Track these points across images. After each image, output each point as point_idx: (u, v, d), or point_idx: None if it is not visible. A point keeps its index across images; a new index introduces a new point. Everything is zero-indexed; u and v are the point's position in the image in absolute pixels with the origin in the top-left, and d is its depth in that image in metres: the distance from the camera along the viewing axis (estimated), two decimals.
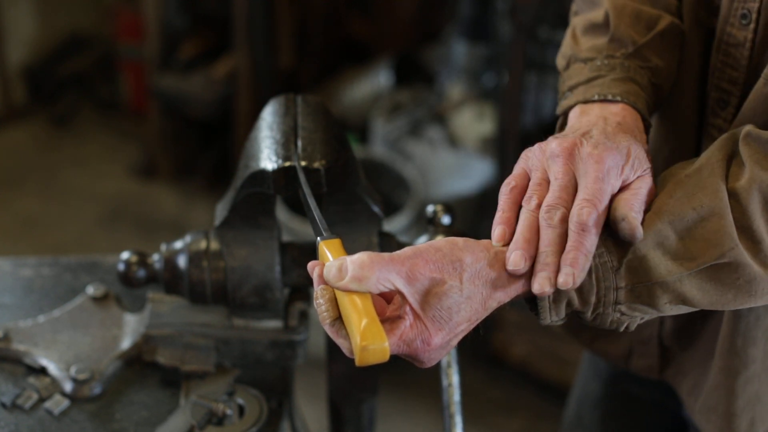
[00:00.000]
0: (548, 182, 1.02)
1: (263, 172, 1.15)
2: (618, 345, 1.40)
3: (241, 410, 1.23)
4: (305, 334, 1.29)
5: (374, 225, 1.24)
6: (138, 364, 1.30)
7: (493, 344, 2.90)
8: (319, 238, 1.03)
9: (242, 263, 1.24)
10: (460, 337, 0.99)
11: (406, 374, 2.85)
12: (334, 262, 0.95)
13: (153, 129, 3.66)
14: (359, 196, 1.21)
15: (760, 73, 1.12)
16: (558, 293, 0.99)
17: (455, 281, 0.96)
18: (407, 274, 0.94)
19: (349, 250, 1.24)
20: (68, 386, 1.26)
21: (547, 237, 0.99)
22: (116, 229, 3.50)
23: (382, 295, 0.97)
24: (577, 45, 1.21)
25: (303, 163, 1.15)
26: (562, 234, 0.99)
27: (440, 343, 0.97)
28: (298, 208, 2.81)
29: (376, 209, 1.23)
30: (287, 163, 1.14)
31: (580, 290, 0.99)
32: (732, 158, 1.03)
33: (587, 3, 1.25)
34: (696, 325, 1.30)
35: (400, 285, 0.94)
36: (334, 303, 0.96)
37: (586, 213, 0.98)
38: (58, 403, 1.25)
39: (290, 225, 2.70)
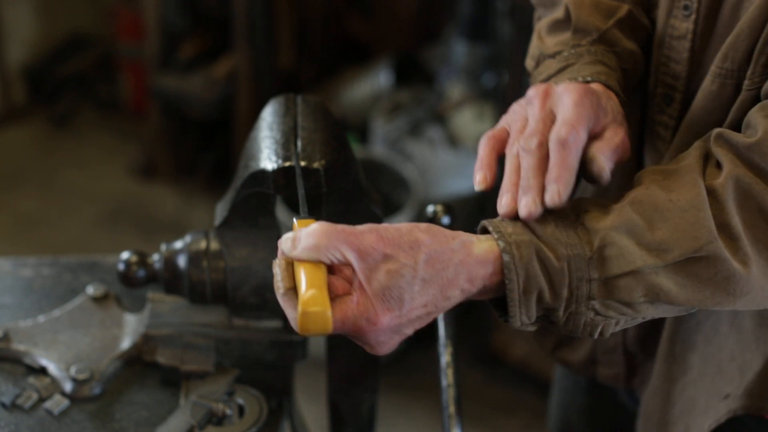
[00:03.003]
0: None
1: (263, 172, 1.15)
2: (579, 353, 1.37)
3: (241, 410, 1.23)
4: None
5: None
6: (138, 364, 1.30)
7: (493, 344, 2.90)
8: (294, 218, 1.03)
9: (242, 263, 1.24)
10: (416, 325, 0.97)
11: (406, 374, 2.85)
12: (289, 234, 0.96)
13: (153, 129, 3.66)
14: (359, 196, 1.21)
15: (701, 67, 1.12)
16: (528, 282, 0.96)
17: (409, 260, 0.94)
18: (359, 248, 0.93)
19: None
20: (68, 386, 1.26)
21: (527, 162, 0.98)
22: (116, 229, 3.50)
23: (344, 276, 0.96)
24: (543, 44, 1.23)
25: (303, 163, 1.15)
26: (543, 158, 0.98)
27: (388, 325, 0.94)
28: (298, 208, 2.81)
29: (376, 209, 1.23)
30: (287, 163, 1.14)
31: (551, 280, 0.96)
32: (708, 158, 1.02)
33: (547, 7, 1.27)
34: (661, 332, 1.28)
35: (351, 257, 0.93)
36: (290, 274, 0.96)
37: (565, 131, 0.98)
38: (58, 403, 1.25)
39: (290, 225, 2.69)
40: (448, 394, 1.33)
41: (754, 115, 1.01)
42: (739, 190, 0.98)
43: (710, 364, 1.21)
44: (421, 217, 2.81)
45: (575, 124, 1.00)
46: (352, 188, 1.20)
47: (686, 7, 1.12)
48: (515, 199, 0.98)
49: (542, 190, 0.98)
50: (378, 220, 1.24)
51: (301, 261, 0.95)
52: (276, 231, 1.25)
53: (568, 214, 0.99)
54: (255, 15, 3.21)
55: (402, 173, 3.00)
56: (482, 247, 0.97)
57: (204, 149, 3.68)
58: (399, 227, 0.96)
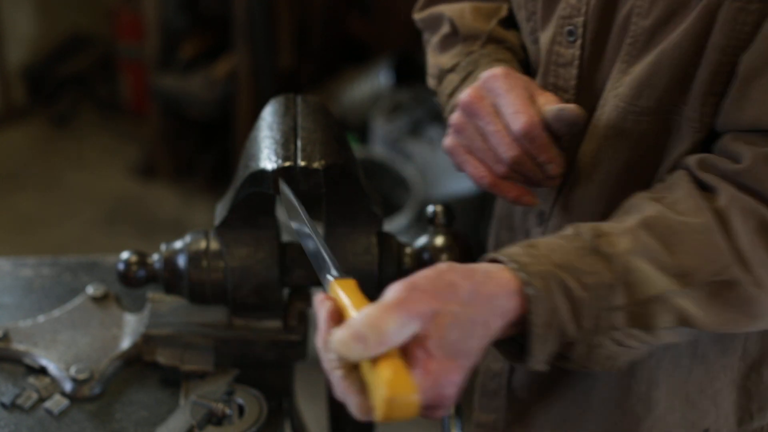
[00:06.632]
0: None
1: (263, 172, 1.15)
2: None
3: (240, 410, 1.23)
4: (305, 333, 1.29)
5: (374, 225, 1.24)
6: (138, 364, 1.30)
7: None
8: (330, 277, 0.93)
9: (242, 263, 1.24)
10: (470, 370, 0.88)
11: None
12: (345, 334, 0.83)
13: (153, 129, 3.66)
14: (359, 196, 1.21)
15: (590, 94, 1.10)
16: (552, 315, 0.90)
17: (456, 307, 0.87)
18: (418, 313, 0.84)
19: (350, 251, 1.24)
20: (68, 386, 1.26)
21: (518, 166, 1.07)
22: (116, 229, 3.50)
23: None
24: (439, 61, 1.26)
25: (302, 163, 1.15)
26: (524, 155, 1.06)
27: (460, 382, 0.86)
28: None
29: (375, 209, 1.23)
30: (287, 163, 1.14)
31: (575, 312, 0.91)
32: (698, 183, 1.00)
33: (432, 27, 1.31)
34: (554, 377, 1.26)
35: (415, 327, 0.84)
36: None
37: (518, 124, 1.03)
38: (58, 403, 1.25)
39: (290, 225, 2.69)
40: None
41: (732, 144, 0.98)
42: (743, 212, 0.95)
43: (677, 396, 1.19)
44: (421, 217, 2.82)
45: (521, 108, 1.04)
46: (352, 188, 1.20)
47: (571, 33, 1.09)
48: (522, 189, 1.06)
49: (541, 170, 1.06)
50: (378, 220, 1.24)
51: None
52: (276, 231, 1.25)
53: (581, 240, 0.95)
54: (255, 15, 3.21)
55: (402, 173, 3.00)
56: (504, 276, 0.90)
57: (204, 149, 3.68)
58: (426, 275, 0.88)
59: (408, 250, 1.26)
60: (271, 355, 1.28)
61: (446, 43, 1.27)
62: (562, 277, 0.91)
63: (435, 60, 1.28)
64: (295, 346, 1.28)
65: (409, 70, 3.44)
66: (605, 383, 1.21)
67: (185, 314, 1.29)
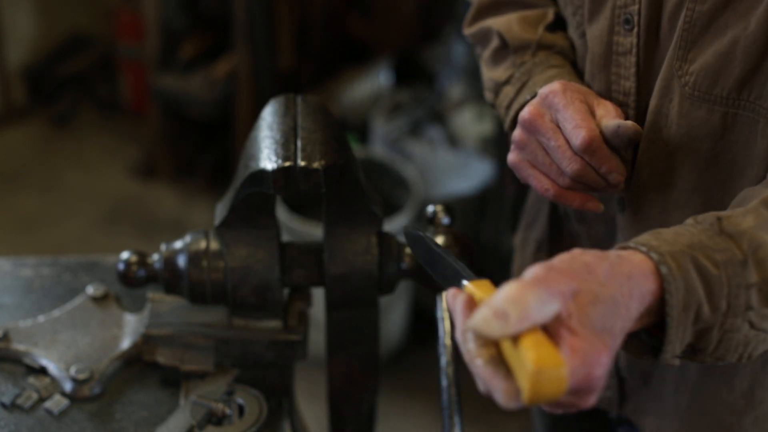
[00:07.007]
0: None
1: (263, 172, 1.15)
2: None
3: (240, 410, 1.23)
4: (305, 333, 1.29)
5: (374, 225, 1.24)
6: (138, 364, 1.30)
7: None
8: (464, 281, 0.92)
9: (242, 263, 1.24)
10: (612, 360, 0.85)
11: (406, 375, 2.85)
12: (485, 312, 0.81)
13: (153, 129, 3.66)
14: (359, 196, 1.21)
15: (648, 81, 1.12)
16: (688, 295, 0.88)
17: (595, 286, 0.84)
18: (560, 292, 0.83)
19: (350, 251, 1.24)
20: (68, 386, 1.26)
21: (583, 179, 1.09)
22: (116, 229, 3.50)
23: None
24: (493, 74, 1.29)
25: (302, 163, 1.15)
26: (586, 167, 1.08)
27: (606, 363, 0.84)
28: (298, 208, 2.81)
29: (375, 209, 1.23)
30: (287, 163, 1.14)
31: (710, 291, 0.89)
32: None
33: (482, 42, 1.33)
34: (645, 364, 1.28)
35: (556, 306, 0.82)
36: (487, 342, 0.83)
37: (578, 139, 1.05)
38: (58, 403, 1.25)
39: (290, 225, 2.70)
40: (448, 394, 1.33)
41: None
42: None
43: None
44: (421, 217, 2.82)
45: (581, 123, 1.06)
46: (352, 188, 1.20)
47: (627, 21, 1.11)
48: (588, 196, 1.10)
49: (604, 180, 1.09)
50: (378, 220, 1.24)
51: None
52: (276, 231, 1.25)
53: (704, 225, 0.93)
54: (255, 15, 3.21)
55: (402, 173, 3.00)
56: (637, 258, 0.88)
57: (204, 149, 3.68)
58: (561, 258, 0.87)
59: (408, 250, 1.27)
60: (271, 355, 1.28)
61: (497, 57, 1.29)
62: (694, 255, 0.89)
63: (489, 74, 1.31)
64: (295, 346, 1.28)
65: (409, 70, 3.44)
66: (707, 375, 1.22)
67: (185, 314, 1.29)
